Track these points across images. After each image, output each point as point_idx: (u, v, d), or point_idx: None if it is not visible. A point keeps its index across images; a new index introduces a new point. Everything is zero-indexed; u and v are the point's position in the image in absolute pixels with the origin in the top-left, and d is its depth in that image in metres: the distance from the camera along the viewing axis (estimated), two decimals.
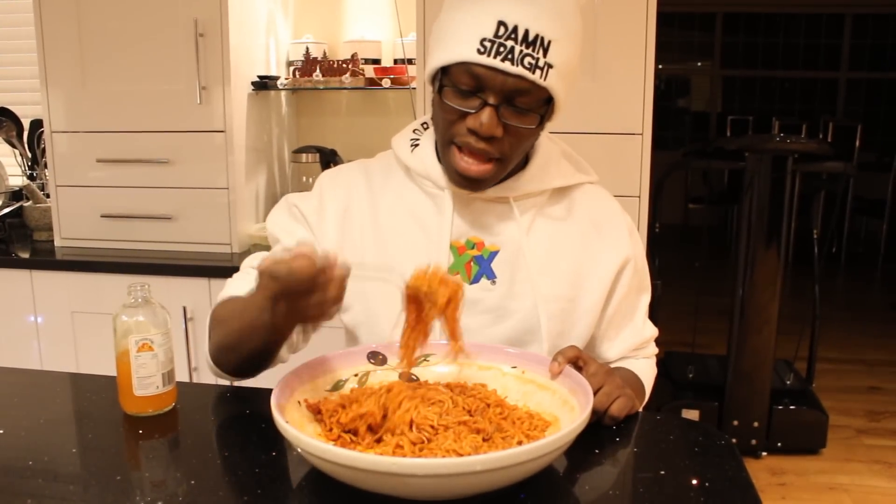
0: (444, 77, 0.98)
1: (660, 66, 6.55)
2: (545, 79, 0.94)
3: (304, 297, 0.81)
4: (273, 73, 2.33)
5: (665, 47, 6.69)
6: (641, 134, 1.97)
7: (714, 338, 3.38)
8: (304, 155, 2.33)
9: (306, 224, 1.13)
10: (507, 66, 0.93)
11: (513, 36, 0.92)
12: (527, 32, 0.93)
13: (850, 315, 4.63)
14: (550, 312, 1.08)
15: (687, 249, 3.55)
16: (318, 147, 2.30)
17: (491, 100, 0.95)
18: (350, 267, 0.83)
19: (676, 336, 3.58)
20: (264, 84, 2.21)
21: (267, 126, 2.33)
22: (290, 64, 2.39)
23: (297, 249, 0.82)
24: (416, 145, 1.11)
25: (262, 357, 0.98)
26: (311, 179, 2.33)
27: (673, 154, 4.66)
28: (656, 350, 1.24)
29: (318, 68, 2.25)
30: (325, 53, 2.32)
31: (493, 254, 1.09)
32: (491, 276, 1.08)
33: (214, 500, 0.79)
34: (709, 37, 7.26)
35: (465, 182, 1.02)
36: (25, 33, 2.54)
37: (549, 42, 0.93)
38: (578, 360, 0.95)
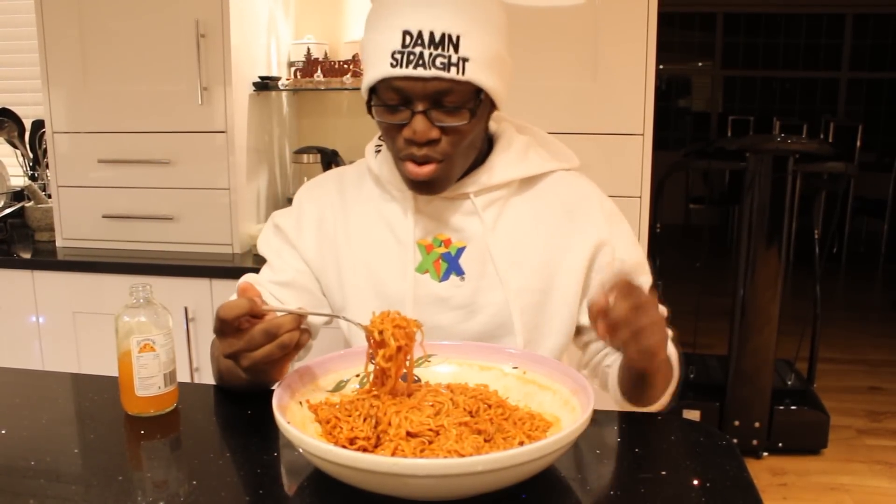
0: (374, 97, 1.02)
1: (660, 67, 6.55)
2: (463, 73, 0.96)
3: (235, 336, 0.86)
4: (274, 73, 2.33)
5: (666, 47, 6.69)
6: (642, 134, 1.97)
7: (715, 338, 3.38)
8: (305, 155, 2.34)
9: (286, 240, 1.17)
10: (420, 71, 0.95)
11: (419, 42, 0.95)
12: (432, 35, 0.95)
13: (851, 315, 4.63)
14: (523, 306, 1.09)
15: (688, 249, 3.55)
16: (320, 147, 2.30)
17: (418, 107, 0.98)
18: (299, 315, 0.86)
19: (677, 336, 3.58)
20: (265, 85, 2.21)
21: (268, 127, 2.33)
22: (291, 64, 2.39)
23: (241, 284, 0.88)
24: (379, 150, 1.15)
25: (255, 386, 0.99)
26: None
27: (674, 154, 4.67)
28: (671, 333, 1.13)
29: (319, 69, 2.25)
30: (326, 54, 2.32)
31: (461, 250, 1.11)
32: (460, 273, 1.10)
33: (216, 500, 0.79)
34: (709, 37, 7.25)
35: (418, 187, 1.05)
36: (27, 34, 2.54)
37: (458, 37, 0.95)
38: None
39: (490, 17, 1.00)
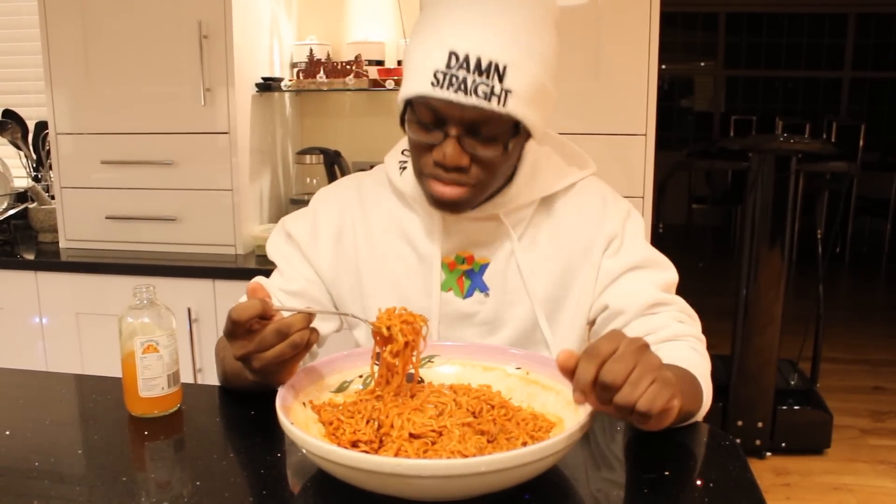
0: (409, 110, 0.98)
1: (663, 67, 6.55)
2: (504, 105, 0.91)
3: (246, 338, 0.84)
4: (277, 74, 2.34)
5: (668, 47, 6.69)
6: (645, 134, 1.97)
7: (718, 338, 3.36)
8: (307, 156, 2.34)
9: (298, 249, 1.15)
10: (460, 97, 0.90)
11: (465, 65, 0.90)
12: (479, 60, 0.90)
13: (854, 315, 4.62)
14: (547, 314, 1.09)
15: (690, 249, 3.55)
16: (322, 148, 2.30)
17: (452, 132, 0.94)
18: (310, 314, 0.86)
19: None
20: (268, 86, 2.22)
21: (271, 127, 2.33)
22: (293, 65, 2.39)
23: (251, 286, 0.87)
24: (405, 168, 1.11)
25: (261, 388, 0.96)
26: (314, 181, 2.33)
27: (676, 154, 4.67)
28: (699, 335, 1.05)
29: (321, 70, 2.25)
30: (328, 55, 2.33)
31: (484, 266, 1.09)
32: (484, 289, 1.09)
33: (220, 501, 0.79)
34: (712, 36, 7.25)
35: (442, 206, 1.02)
36: (30, 35, 2.55)
37: (505, 67, 0.90)
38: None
39: (542, 47, 0.96)
